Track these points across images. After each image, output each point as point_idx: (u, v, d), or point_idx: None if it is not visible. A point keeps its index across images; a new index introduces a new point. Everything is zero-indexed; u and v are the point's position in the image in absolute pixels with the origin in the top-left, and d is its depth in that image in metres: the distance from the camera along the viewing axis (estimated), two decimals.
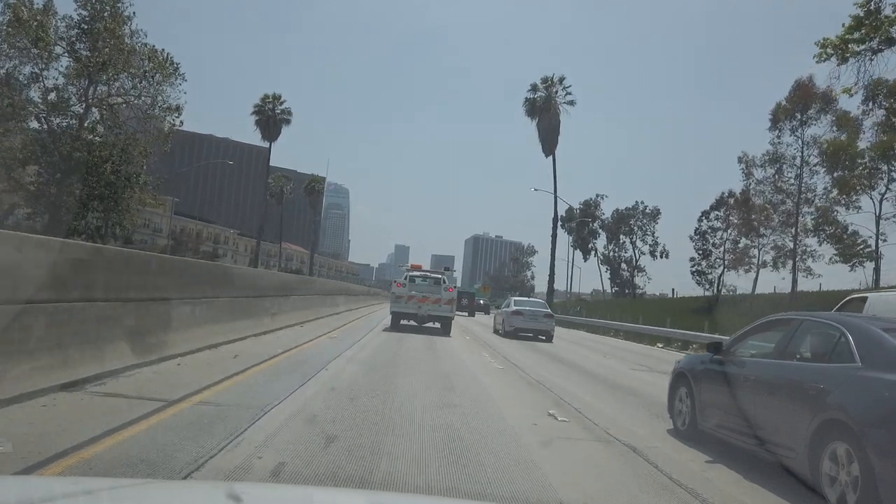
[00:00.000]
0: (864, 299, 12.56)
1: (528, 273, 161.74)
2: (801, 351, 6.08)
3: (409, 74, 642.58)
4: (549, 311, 26.58)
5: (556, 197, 61.35)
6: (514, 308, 25.73)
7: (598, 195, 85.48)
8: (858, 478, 4.48)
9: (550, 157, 60.29)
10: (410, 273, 23.62)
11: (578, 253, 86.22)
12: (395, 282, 24.07)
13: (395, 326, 22.00)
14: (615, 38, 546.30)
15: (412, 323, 22.37)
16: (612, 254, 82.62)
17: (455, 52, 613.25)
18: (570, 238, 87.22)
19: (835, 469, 4.78)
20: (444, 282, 22.36)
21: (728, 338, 7.93)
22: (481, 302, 61.58)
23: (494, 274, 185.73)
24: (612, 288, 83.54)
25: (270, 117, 66.08)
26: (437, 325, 21.98)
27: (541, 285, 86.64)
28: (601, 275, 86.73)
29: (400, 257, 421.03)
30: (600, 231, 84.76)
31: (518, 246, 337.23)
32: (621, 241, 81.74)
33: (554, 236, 63.74)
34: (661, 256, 78.50)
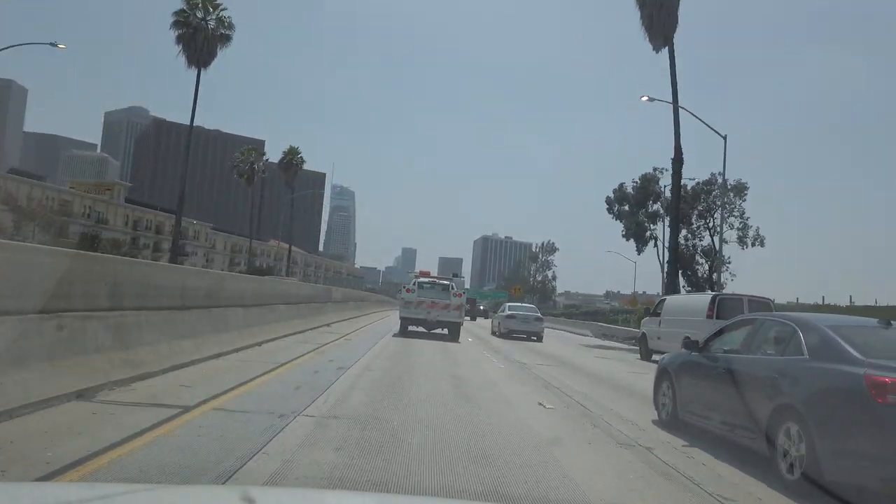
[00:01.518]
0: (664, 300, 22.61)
1: (549, 272, 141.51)
2: (762, 346, 6.79)
3: (415, 74, 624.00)
4: (539, 314, 29.33)
5: (676, 113, 34.79)
6: (509, 312, 28.47)
7: (656, 168, 64.08)
8: (804, 451, 5.27)
9: (665, 50, 36.11)
10: (419, 279, 22.49)
11: (623, 245, 65.14)
12: (403, 287, 23.25)
13: (403, 332, 21.80)
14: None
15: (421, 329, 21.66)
16: (683, 242, 60.97)
17: (460, 50, 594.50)
18: (622, 225, 66.01)
19: (787, 444, 5.53)
20: (453, 288, 21.96)
21: None
22: (481, 307, 58.29)
23: (509, 275, 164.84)
24: (683, 287, 61.70)
25: (199, 30, 42.72)
26: (445, 330, 21.56)
27: (565, 285, 65.68)
28: (663, 271, 64.94)
29: (407, 260, 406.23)
30: (662, 213, 63.29)
31: (528, 247, 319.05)
32: (694, 226, 60.22)
33: (676, 184, 37.09)
34: (754, 244, 56.89)
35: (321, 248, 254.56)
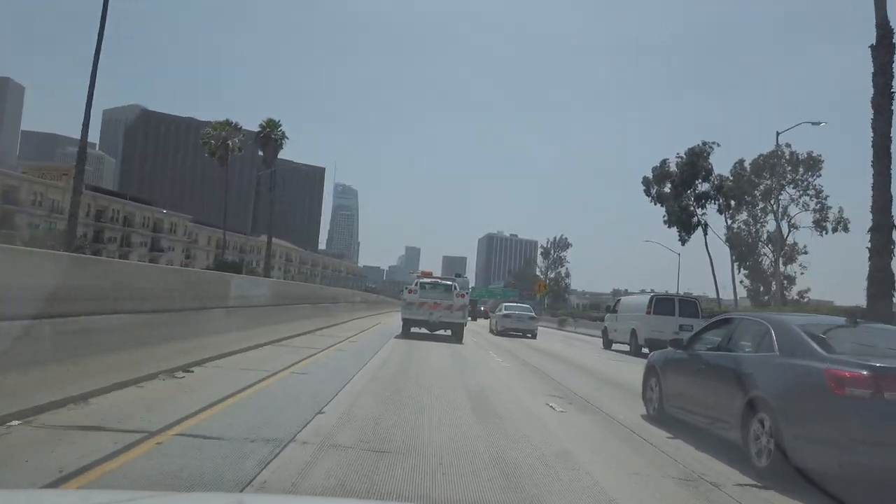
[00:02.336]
0: (620, 300, 26.63)
1: (562, 269, 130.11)
2: (739, 344, 7.10)
3: (418, 73, 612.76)
4: (533, 314, 30.63)
5: None
6: (505, 312, 29.82)
7: (704, 142, 52.89)
8: (773, 440, 5.59)
9: None
10: (421, 280, 21.88)
11: (662, 235, 54.16)
12: (406, 288, 21.99)
13: (405, 334, 20.84)
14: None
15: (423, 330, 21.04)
16: (739, 229, 49.92)
17: (462, 48, 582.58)
18: (664, 210, 54.79)
19: (758, 434, 5.84)
20: (456, 288, 21.53)
21: None
22: (482, 308, 56.47)
23: (518, 272, 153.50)
24: (741, 283, 50.73)
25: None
26: (449, 332, 21.22)
27: (581, 283, 54.46)
28: (712, 265, 53.79)
29: (411, 259, 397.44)
30: (714, 195, 52.13)
31: (534, 244, 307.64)
32: (756, 209, 49.01)
33: (883, 85, 18.65)
34: (836, 229, 45.69)
35: (324, 246, 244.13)
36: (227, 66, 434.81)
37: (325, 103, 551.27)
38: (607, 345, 25.47)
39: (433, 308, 20.60)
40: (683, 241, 55.28)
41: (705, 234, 53.79)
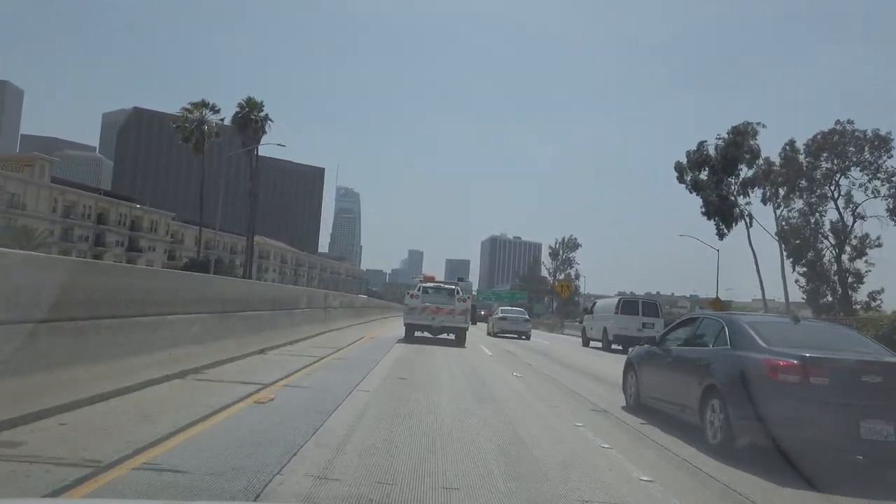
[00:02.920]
0: (596, 302, 29.98)
1: (572, 271, 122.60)
2: (700, 339, 7.96)
3: (419, 73, 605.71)
4: (527, 317, 32.78)
5: None
6: (501, 315, 31.88)
7: (747, 122, 45.49)
8: (723, 421, 6.45)
9: None
10: (424, 284, 21.54)
11: (701, 227, 46.52)
12: (408, 293, 21.51)
13: (409, 338, 20.21)
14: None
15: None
16: (793, 219, 42.50)
17: (464, 46, 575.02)
18: (700, 199, 47.49)
19: (712, 416, 6.71)
20: (459, 292, 21.23)
21: None
22: (482, 312, 54.23)
23: (525, 274, 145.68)
24: (797, 283, 43.29)
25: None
26: (452, 336, 20.77)
27: (594, 286, 47.39)
28: (756, 263, 46.48)
29: (413, 262, 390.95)
30: (761, 182, 44.75)
31: (538, 247, 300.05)
32: (812, 196, 41.63)
33: None
34: None
35: (326, 249, 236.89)
36: (227, 67, 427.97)
37: (327, 105, 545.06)
38: (585, 342, 28.36)
39: (436, 313, 20.29)
40: (722, 235, 47.94)
41: (749, 226, 46.40)
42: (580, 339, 29.65)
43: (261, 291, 12.01)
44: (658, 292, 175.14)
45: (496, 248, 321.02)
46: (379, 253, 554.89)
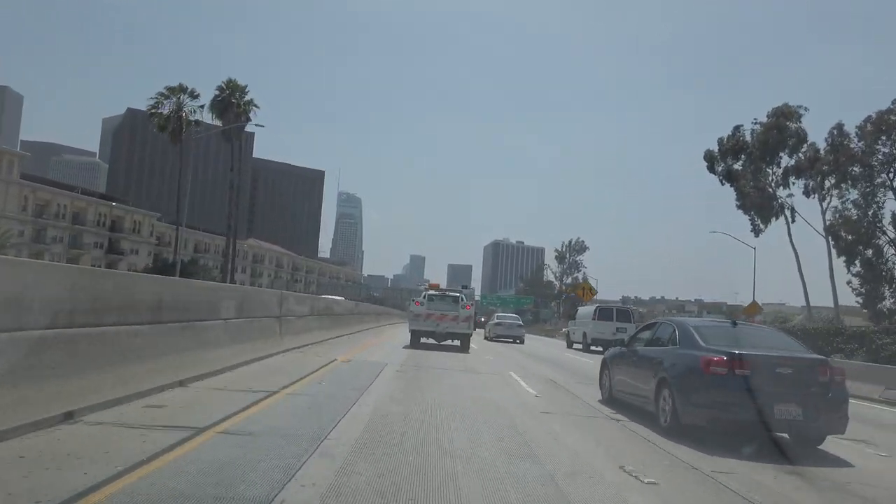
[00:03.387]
0: (578, 309, 34.07)
1: (579, 275, 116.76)
2: (657, 341, 9.11)
3: (420, 76, 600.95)
4: (521, 322, 35.13)
5: None
6: (497, 321, 33.92)
7: (788, 104, 40.15)
8: (671, 406, 7.69)
9: None
10: (428, 292, 21.85)
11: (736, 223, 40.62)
12: (413, 300, 22.81)
13: (414, 344, 20.34)
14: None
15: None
16: (847, 212, 37.16)
17: (464, 47, 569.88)
18: (734, 191, 42.23)
19: (663, 404, 7.91)
20: (462, 299, 21.72)
21: None
22: (482, 319, 53.76)
23: (529, 278, 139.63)
24: (849, 284, 37.82)
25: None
26: (457, 342, 21.24)
27: (601, 290, 41.99)
28: (799, 263, 41.18)
29: (415, 268, 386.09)
30: (805, 174, 39.47)
31: (541, 252, 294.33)
32: (869, 185, 36.31)
33: None
34: None
35: (328, 254, 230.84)
36: (228, 70, 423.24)
37: (327, 109, 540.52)
38: (570, 345, 31.58)
39: (440, 319, 20.75)
40: (758, 231, 42.58)
41: (792, 221, 40.99)
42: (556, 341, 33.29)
43: (108, 287, 6.22)
44: (663, 297, 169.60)
45: (499, 253, 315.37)
46: (381, 258, 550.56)
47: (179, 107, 45.05)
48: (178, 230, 46.00)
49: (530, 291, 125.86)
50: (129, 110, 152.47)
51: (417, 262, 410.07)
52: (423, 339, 20.32)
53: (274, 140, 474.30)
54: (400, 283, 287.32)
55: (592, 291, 34.42)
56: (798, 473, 6.12)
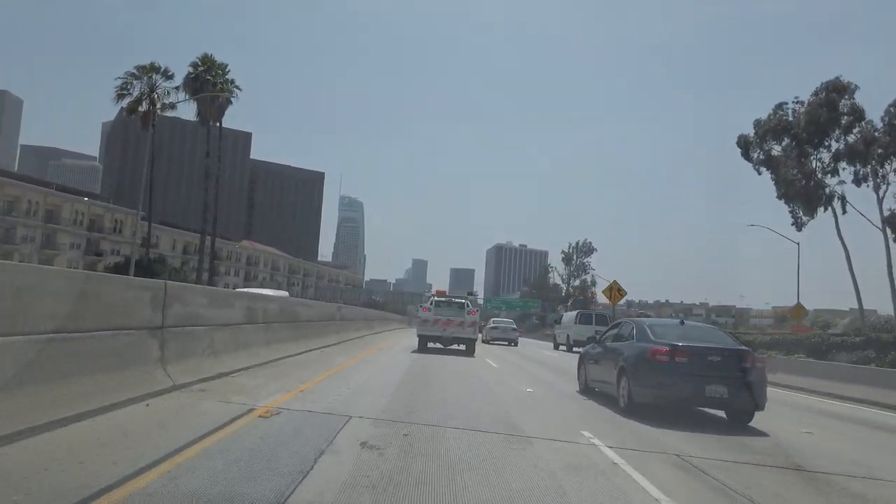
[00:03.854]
0: (562, 315, 40.33)
1: (588, 277, 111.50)
2: (620, 337, 10.61)
3: (424, 83, 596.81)
4: (515, 326, 37.68)
5: None
6: (493, 325, 37.00)
7: (839, 78, 35.08)
8: (627, 390, 9.21)
9: None
10: (435, 298, 22.76)
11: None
12: (420, 306, 23.65)
13: (422, 349, 21.66)
14: None
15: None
16: None
17: (467, 53, 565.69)
18: (772, 179, 37.19)
19: (622, 388, 9.43)
20: (467, 306, 22.46)
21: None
22: (482, 323, 56.77)
23: (535, 281, 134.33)
24: None
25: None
26: (462, 346, 21.92)
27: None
28: (849, 260, 36.21)
29: (418, 272, 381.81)
30: (861, 158, 34.42)
31: (544, 255, 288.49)
32: None
33: None
34: None
35: (329, 258, 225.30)
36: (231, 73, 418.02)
37: (328, 113, 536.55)
38: (556, 346, 35.39)
39: (447, 325, 21.40)
40: (800, 224, 37.43)
41: (843, 211, 35.80)
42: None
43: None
44: (668, 300, 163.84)
45: (502, 257, 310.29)
46: (383, 263, 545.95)
47: (152, 88, 40.06)
48: (150, 227, 40.98)
49: (536, 295, 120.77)
50: (124, 110, 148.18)
51: (420, 267, 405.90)
52: (429, 344, 21.68)
53: (275, 144, 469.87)
54: (402, 288, 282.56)
55: (621, 293, 29.31)
56: (721, 440, 7.70)
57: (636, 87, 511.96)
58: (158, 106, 40.30)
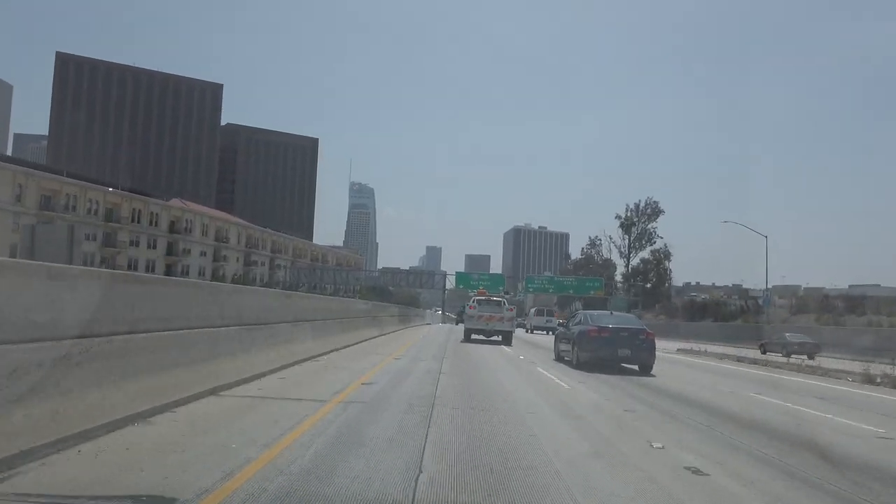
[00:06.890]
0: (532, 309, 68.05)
1: (659, 248, 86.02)
2: (577, 322, 18.62)
3: (433, 64, 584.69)
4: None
5: None
6: (535, 311, 60.33)
7: None
8: (576, 354, 17.48)
9: None
10: (478, 298, 29.65)
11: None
12: (467, 304, 31.09)
13: (467, 339, 28.26)
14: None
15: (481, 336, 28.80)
16: None
17: (477, 37, 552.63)
18: None
19: (573, 354, 17.68)
20: (505, 303, 29.38)
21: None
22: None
23: (579, 260, 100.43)
24: None
25: None
26: (500, 337, 28.26)
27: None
28: None
29: (432, 259, 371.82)
30: None
31: (565, 237, 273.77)
32: None
33: None
34: None
35: (341, 244, 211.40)
36: (235, 60, 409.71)
37: (340, 98, 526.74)
38: (530, 330, 54.51)
39: (489, 319, 27.84)
40: None
41: None
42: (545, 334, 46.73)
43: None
44: (698, 282, 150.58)
45: (520, 240, 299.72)
46: (396, 250, 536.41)
47: None
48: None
49: (585, 273, 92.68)
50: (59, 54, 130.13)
51: (434, 254, 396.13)
52: (473, 336, 28.61)
53: (282, 131, 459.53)
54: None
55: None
56: (629, 379, 14.61)
57: (652, 69, 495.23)
58: None
